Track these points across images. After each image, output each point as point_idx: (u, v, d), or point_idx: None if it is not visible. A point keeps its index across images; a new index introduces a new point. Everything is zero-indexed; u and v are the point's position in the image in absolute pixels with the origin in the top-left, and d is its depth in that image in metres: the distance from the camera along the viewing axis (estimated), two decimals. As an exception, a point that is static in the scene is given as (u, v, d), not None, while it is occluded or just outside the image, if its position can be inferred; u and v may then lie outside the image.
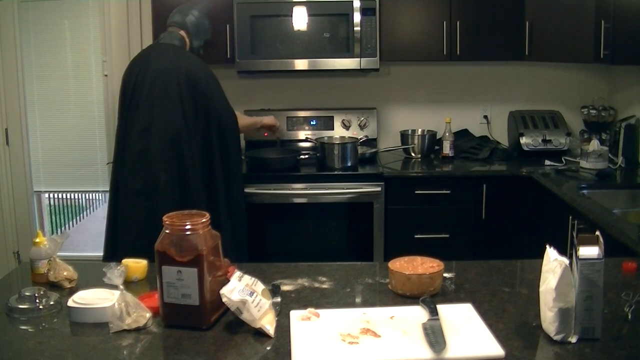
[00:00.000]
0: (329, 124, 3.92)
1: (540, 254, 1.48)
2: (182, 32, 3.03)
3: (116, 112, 3.09)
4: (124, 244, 2.82)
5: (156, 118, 2.82)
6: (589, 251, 1.39)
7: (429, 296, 1.64)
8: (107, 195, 4.10)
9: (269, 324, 1.47)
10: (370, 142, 3.88)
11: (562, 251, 1.44)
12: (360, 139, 3.74)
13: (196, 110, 2.86)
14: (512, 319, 1.53)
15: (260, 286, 1.52)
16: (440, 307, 1.54)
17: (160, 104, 2.83)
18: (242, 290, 1.46)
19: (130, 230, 2.81)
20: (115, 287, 1.55)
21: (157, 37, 3.16)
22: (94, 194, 5.85)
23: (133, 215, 2.83)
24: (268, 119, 3.56)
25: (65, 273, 1.78)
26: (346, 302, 1.68)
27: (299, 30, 3.55)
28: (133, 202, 2.83)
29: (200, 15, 3.12)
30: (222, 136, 2.93)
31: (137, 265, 1.83)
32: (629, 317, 1.51)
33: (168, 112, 2.82)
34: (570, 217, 2.74)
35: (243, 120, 3.28)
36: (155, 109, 2.83)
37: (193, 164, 2.86)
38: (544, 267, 1.44)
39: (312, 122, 3.94)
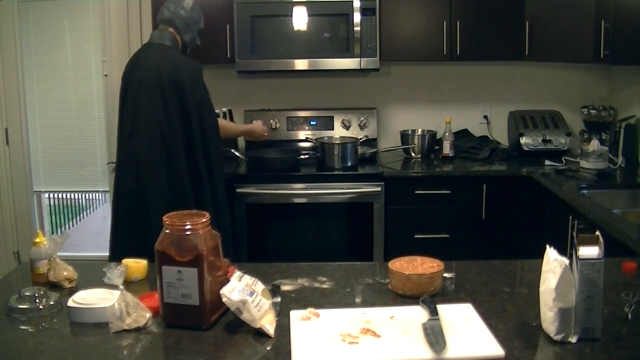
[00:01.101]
0: (329, 124, 3.92)
1: (540, 254, 1.48)
2: (171, 29, 2.95)
3: (116, 112, 3.10)
4: (124, 244, 2.83)
5: (141, 120, 2.82)
6: (589, 251, 1.39)
7: (429, 296, 1.64)
8: (107, 195, 4.16)
9: (269, 324, 1.47)
10: (370, 142, 3.88)
11: (562, 251, 1.44)
12: (360, 139, 3.74)
13: (180, 112, 2.82)
14: (512, 319, 1.53)
15: (260, 286, 1.52)
16: (440, 307, 1.54)
17: (144, 106, 2.83)
18: (242, 290, 1.46)
19: (128, 231, 2.83)
20: (115, 287, 1.55)
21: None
22: (94, 194, 5.86)
23: (129, 215, 2.84)
24: (258, 129, 3.44)
25: (65, 273, 1.78)
26: (346, 302, 1.68)
27: (299, 30, 3.55)
28: (127, 203, 2.85)
29: (187, 8, 2.99)
30: (205, 140, 2.88)
31: (137, 265, 1.83)
32: (629, 317, 1.51)
33: (152, 115, 2.81)
34: (570, 217, 2.74)
35: (231, 130, 3.20)
36: (140, 111, 2.83)
37: (179, 166, 2.83)
38: (544, 267, 1.44)
39: (312, 122, 3.94)
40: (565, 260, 1.38)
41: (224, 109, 3.69)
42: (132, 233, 2.79)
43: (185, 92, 2.83)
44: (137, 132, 2.82)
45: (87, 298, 1.57)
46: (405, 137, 3.83)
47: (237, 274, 1.51)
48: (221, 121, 3.20)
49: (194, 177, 2.88)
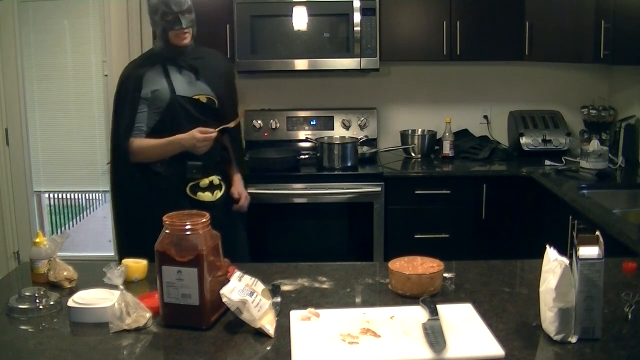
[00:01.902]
0: (329, 124, 3.92)
1: (540, 254, 1.48)
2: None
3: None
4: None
5: None
6: (589, 251, 1.39)
7: (429, 296, 1.64)
8: (107, 195, 4.16)
9: (269, 324, 1.47)
10: (370, 142, 3.88)
11: (562, 251, 1.44)
12: (360, 139, 3.74)
13: None
14: (512, 319, 1.53)
15: (260, 286, 1.52)
16: (440, 307, 1.54)
17: None
18: (242, 290, 1.46)
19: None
20: (115, 287, 1.55)
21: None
22: (94, 194, 5.86)
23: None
24: (186, 141, 2.53)
25: (65, 273, 1.78)
26: (346, 302, 1.68)
27: (299, 30, 3.55)
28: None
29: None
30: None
31: (137, 265, 1.83)
32: (629, 317, 1.51)
33: None
34: (570, 217, 2.74)
35: (150, 150, 2.61)
36: None
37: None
38: (544, 267, 1.44)
39: (312, 122, 3.94)
40: (565, 260, 1.38)
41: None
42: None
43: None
44: None
45: (87, 298, 1.57)
46: (405, 137, 3.83)
47: (237, 274, 1.51)
48: (142, 140, 2.63)
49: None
